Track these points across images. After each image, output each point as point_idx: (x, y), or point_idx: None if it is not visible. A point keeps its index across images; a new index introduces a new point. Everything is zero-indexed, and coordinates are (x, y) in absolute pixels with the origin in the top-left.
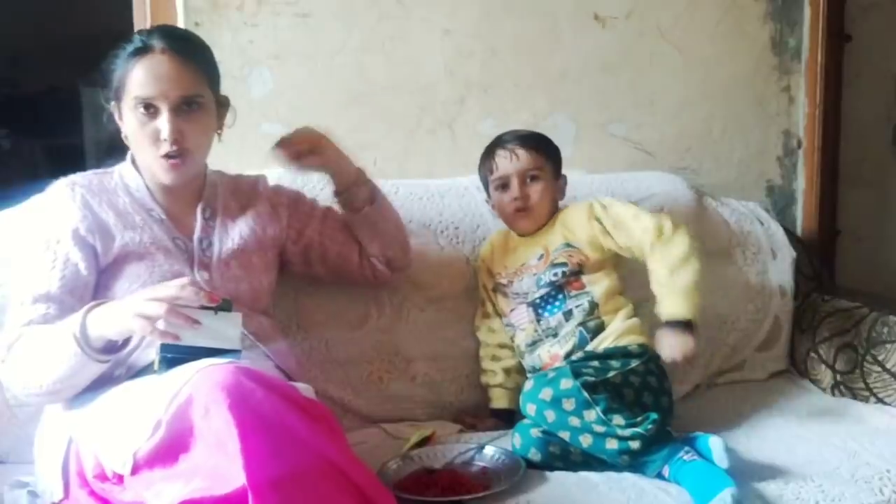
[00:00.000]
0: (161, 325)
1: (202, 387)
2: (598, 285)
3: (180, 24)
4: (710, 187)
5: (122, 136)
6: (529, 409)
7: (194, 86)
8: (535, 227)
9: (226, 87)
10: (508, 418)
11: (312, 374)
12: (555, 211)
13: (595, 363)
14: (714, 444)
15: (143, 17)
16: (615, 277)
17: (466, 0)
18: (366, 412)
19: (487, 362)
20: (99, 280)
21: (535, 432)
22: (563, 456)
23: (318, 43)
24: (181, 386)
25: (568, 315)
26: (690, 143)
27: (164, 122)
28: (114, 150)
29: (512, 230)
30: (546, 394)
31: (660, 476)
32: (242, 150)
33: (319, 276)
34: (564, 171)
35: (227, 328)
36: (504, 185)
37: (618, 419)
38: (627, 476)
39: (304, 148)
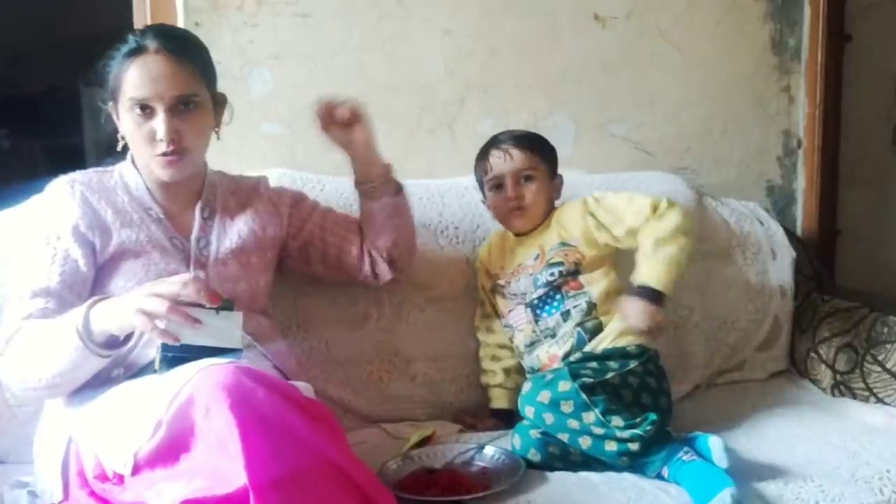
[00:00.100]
0: (161, 322)
1: (203, 386)
2: (597, 285)
3: (180, 23)
4: (710, 187)
5: (120, 136)
6: (528, 411)
7: (190, 85)
8: (531, 226)
9: (226, 88)
10: (508, 418)
11: (312, 374)
12: (551, 210)
13: (593, 364)
14: (714, 444)
15: (143, 17)
16: (613, 277)
17: (466, 0)
18: (366, 412)
19: (487, 362)
20: (96, 277)
21: (534, 433)
22: (562, 456)
23: (318, 43)
24: (182, 386)
25: (566, 315)
26: (690, 143)
27: (159, 123)
28: (114, 149)
29: (507, 230)
30: (544, 396)
31: (659, 476)
32: (242, 150)
33: (319, 275)
34: (564, 171)
35: (228, 327)
36: (499, 186)
37: (616, 420)
38: (627, 476)
39: (346, 116)
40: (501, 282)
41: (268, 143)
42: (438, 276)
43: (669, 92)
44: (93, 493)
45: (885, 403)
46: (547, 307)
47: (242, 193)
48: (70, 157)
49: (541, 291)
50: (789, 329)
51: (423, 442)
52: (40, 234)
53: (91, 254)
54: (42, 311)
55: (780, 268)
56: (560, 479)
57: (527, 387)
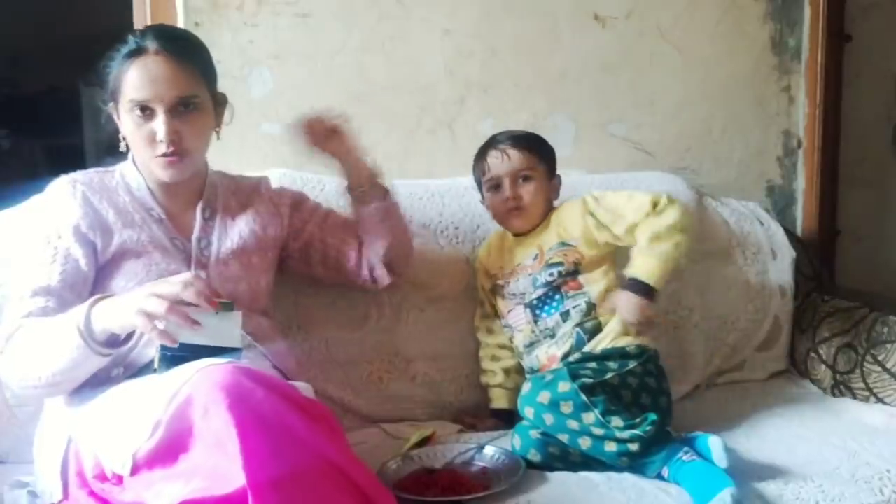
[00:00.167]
0: (161, 323)
1: (201, 387)
2: (596, 285)
3: (180, 24)
4: (710, 187)
5: (121, 136)
6: (528, 412)
7: (190, 86)
8: (529, 226)
9: (226, 87)
10: (508, 418)
11: (312, 374)
12: (549, 210)
13: (592, 364)
14: (713, 443)
15: (143, 17)
16: (613, 277)
17: (466, 0)
18: (366, 412)
19: (487, 362)
20: (97, 276)
21: (534, 434)
22: (562, 457)
23: (318, 43)
24: (180, 386)
25: (565, 316)
26: (690, 143)
27: (159, 125)
28: (114, 150)
29: (506, 230)
30: (544, 397)
31: (659, 477)
32: (242, 150)
33: (319, 276)
34: (564, 171)
35: (228, 327)
36: (496, 186)
37: (616, 421)
38: (627, 476)
39: (324, 130)
40: (500, 282)
41: (268, 143)
42: (438, 276)
43: (669, 92)
44: (92, 493)
45: (885, 403)
46: (546, 307)
47: (243, 194)
48: (70, 158)
49: (540, 292)
50: (789, 329)
51: (423, 442)
52: (41, 233)
53: (92, 253)
54: (42, 309)
55: (780, 268)
56: (560, 479)
57: (526, 387)
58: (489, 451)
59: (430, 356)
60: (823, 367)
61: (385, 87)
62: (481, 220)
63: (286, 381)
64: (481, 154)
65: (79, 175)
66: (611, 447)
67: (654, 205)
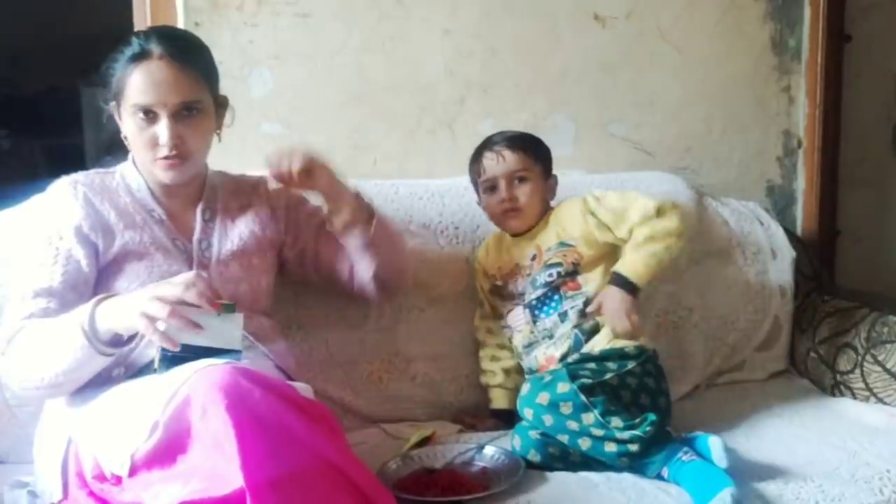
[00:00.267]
0: (162, 325)
1: (200, 387)
2: (594, 284)
3: (180, 24)
4: (710, 187)
5: (122, 136)
6: (527, 413)
7: (193, 91)
8: (526, 227)
9: (226, 87)
10: (508, 418)
11: (312, 374)
12: (546, 210)
13: (591, 365)
14: (713, 443)
15: (143, 18)
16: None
17: (466, 0)
18: (366, 412)
19: (487, 363)
20: (98, 278)
21: (533, 434)
22: (562, 457)
23: (318, 43)
24: (179, 386)
25: (563, 317)
26: (690, 143)
27: (163, 129)
28: (113, 149)
29: (503, 231)
30: (543, 398)
31: (659, 477)
32: (243, 150)
33: (313, 283)
34: (564, 171)
35: (229, 329)
36: (492, 188)
37: (616, 421)
38: (627, 476)
39: (296, 170)
40: (499, 282)
41: (268, 143)
42: (438, 276)
43: (669, 92)
44: (92, 494)
45: (885, 403)
46: (545, 308)
47: (243, 194)
48: (70, 158)
49: (539, 292)
50: (789, 329)
51: (423, 442)
52: (42, 234)
53: (93, 254)
54: (44, 310)
55: (780, 268)
56: (560, 479)
57: (525, 388)
58: (489, 451)
59: (430, 356)
60: (823, 366)
61: (385, 87)
62: (481, 220)
63: (285, 382)
64: (477, 156)
65: (80, 176)
66: (611, 448)
67: (658, 210)
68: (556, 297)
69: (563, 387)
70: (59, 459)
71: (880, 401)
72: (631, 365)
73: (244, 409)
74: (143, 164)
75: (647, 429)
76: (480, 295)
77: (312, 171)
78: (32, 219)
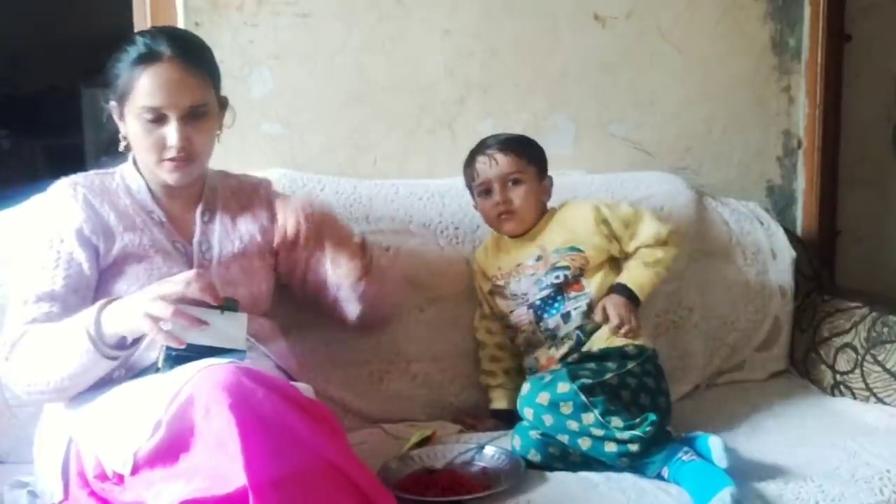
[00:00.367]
0: (166, 325)
1: (203, 387)
2: (597, 286)
3: (180, 24)
4: (710, 187)
5: (122, 136)
6: (527, 413)
7: (202, 93)
8: (523, 228)
9: (226, 87)
10: (508, 418)
11: (312, 374)
12: (542, 211)
13: (591, 365)
14: (713, 443)
15: (143, 18)
16: (613, 278)
17: (466, 0)
18: (366, 412)
19: (487, 363)
20: (99, 280)
21: (534, 434)
22: (562, 457)
23: (318, 43)
24: (182, 385)
25: (566, 317)
26: (690, 143)
27: (172, 132)
28: (112, 150)
29: (499, 233)
30: (543, 398)
31: (659, 477)
32: (243, 151)
33: (297, 299)
34: (564, 171)
35: (232, 328)
36: (487, 191)
37: (616, 421)
38: (627, 476)
39: (305, 236)
40: (500, 283)
41: (268, 143)
42: (438, 277)
43: (669, 92)
44: (93, 493)
45: (885, 403)
46: (549, 308)
47: (244, 195)
48: (70, 158)
49: (544, 293)
50: (789, 329)
51: (423, 442)
52: (43, 237)
53: (94, 257)
54: (46, 315)
55: (780, 268)
56: (560, 479)
57: (525, 388)
58: (489, 451)
59: (430, 356)
60: (823, 366)
61: (385, 87)
62: (481, 220)
63: (287, 382)
64: (470, 159)
65: (79, 178)
66: (611, 447)
67: (668, 236)
68: (559, 297)
69: (564, 387)
70: (60, 459)
71: (880, 401)
72: (631, 365)
73: (247, 408)
74: (145, 166)
75: (647, 429)
76: (480, 295)
77: (321, 230)
78: (33, 221)
